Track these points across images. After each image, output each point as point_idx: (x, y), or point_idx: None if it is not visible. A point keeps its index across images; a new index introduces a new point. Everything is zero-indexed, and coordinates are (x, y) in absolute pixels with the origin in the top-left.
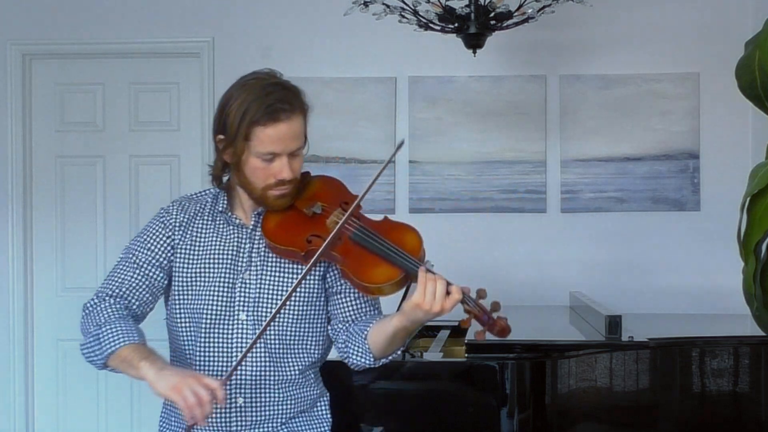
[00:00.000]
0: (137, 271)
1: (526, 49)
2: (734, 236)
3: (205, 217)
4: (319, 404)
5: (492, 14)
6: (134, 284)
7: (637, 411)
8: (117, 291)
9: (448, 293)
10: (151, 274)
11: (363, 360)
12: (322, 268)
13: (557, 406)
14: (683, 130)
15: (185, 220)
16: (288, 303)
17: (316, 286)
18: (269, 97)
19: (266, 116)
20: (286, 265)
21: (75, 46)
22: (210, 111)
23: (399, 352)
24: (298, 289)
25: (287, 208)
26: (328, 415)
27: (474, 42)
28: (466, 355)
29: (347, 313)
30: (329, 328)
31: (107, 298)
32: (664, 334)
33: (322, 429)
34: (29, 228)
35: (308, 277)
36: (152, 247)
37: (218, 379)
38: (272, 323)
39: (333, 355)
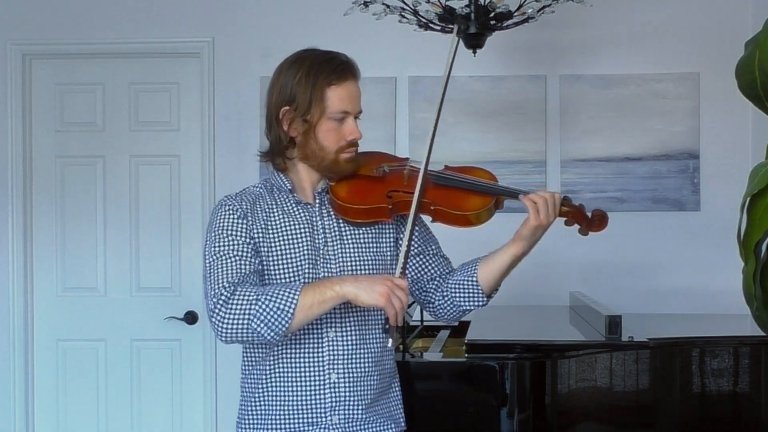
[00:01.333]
0: (242, 261)
1: (526, 49)
2: (734, 236)
3: (268, 202)
4: (394, 383)
5: (492, 14)
6: (246, 272)
7: (637, 411)
8: (237, 279)
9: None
10: (253, 259)
11: (476, 301)
12: (392, 232)
13: (557, 406)
14: (683, 130)
15: (248, 206)
16: (365, 268)
17: (389, 251)
18: (334, 61)
19: (338, 75)
20: (361, 236)
21: (75, 46)
22: (210, 111)
23: (498, 289)
24: (375, 254)
25: (350, 177)
26: (401, 395)
27: (474, 42)
28: (466, 355)
29: (433, 270)
30: (417, 291)
31: (231, 287)
32: (664, 334)
33: (400, 409)
34: (29, 228)
35: (382, 242)
36: (238, 235)
37: (401, 278)
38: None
39: None
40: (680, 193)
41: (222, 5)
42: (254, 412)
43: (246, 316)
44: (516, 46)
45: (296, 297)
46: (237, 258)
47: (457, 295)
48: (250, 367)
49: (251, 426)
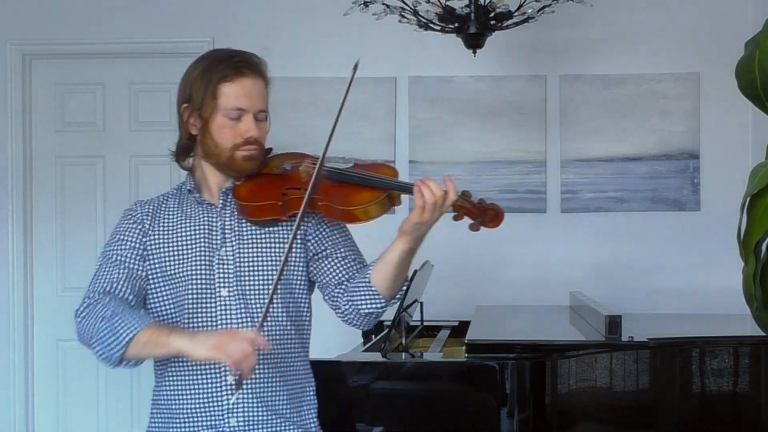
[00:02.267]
0: (120, 267)
1: (526, 49)
2: (734, 236)
3: (171, 204)
4: (308, 389)
5: (492, 14)
6: (122, 279)
7: (637, 411)
8: (108, 288)
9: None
10: (134, 266)
11: (374, 305)
12: (302, 232)
13: (557, 406)
14: (683, 130)
15: (151, 210)
16: (268, 271)
17: (296, 251)
18: (233, 58)
19: (232, 71)
20: (262, 236)
21: (75, 46)
22: None
23: (404, 288)
24: (278, 255)
25: (255, 175)
26: (316, 401)
27: (474, 42)
28: (466, 355)
29: (341, 274)
30: (325, 297)
31: (100, 296)
32: (664, 334)
33: (312, 415)
34: (29, 228)
35: (284, 243)
36: (126, 240)
37: (251, 329)
38: (256, 294)
39: (331, 355)
40: (680, 193)
41: (222, 5)
42: (159, 411)
43: (92, 330)
44: (516, 46)
45: (136, 331)
46: (116, 264)
47: (356, 298)
48: (157, 371)
49: (156, 424)
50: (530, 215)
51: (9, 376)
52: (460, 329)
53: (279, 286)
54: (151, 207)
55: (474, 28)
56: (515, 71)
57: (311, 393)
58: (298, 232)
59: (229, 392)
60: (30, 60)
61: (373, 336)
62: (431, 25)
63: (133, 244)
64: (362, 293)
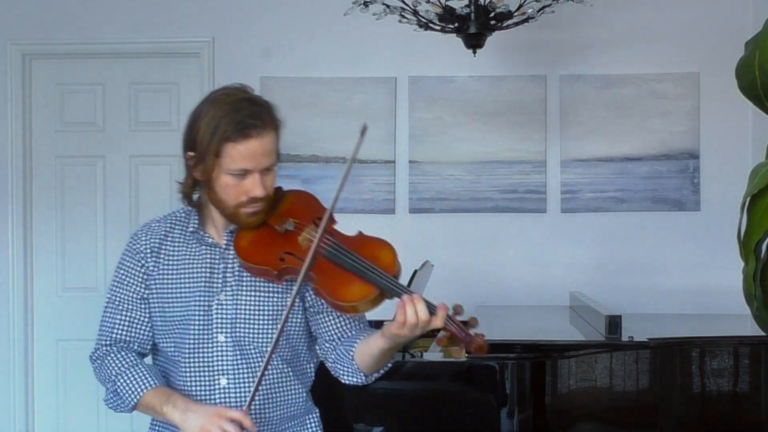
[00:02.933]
0: (124, 313)
1: (526, 49)
2: (734, 236)
3: (176, 238)
4: (308, 421)
5: (492, 14)
6: (125, 326)
7: (637, 411)
8: (114, 337)
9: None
10: (136, 309)
11: (354, 379)
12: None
13: (557, 406)
14: (683, 130)
15: (155, 244)
16: (266, 320)
17: (297, 307)
18: (240, 113)
19: (237, 132)
20: (262, 284)
21: (75, 46)
22: None
23: (389, 365)
24: (276, 305)
25: (260, 225)
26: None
27: (474, 42)
28: (466, 355)
29: (332, 332)
30: (317, 347)
31: (107, 347)
32: (664, 334)
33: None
34: (29, 228)
35: (287, 296)
36: (129, 282)
37: (240, 410)
38: (252, 342)
39: None
40: (680, 193)
41: (222, 5)
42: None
43: (106, 384)
44: (516, 46)
45: (137, 397)
46: (119, 311)
47: (339, 367)
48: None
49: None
50: (530, 215)
51: (9, 376)
52: None
53: (274, 335)
54: (156, 241)
55: (474, 28)
56: (515, 71)
57: (312, 424)
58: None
59: (222, 397)
60: (30, 60)
61: None
62: (431, 25)
63: (134, 285)
64: (345, 365)
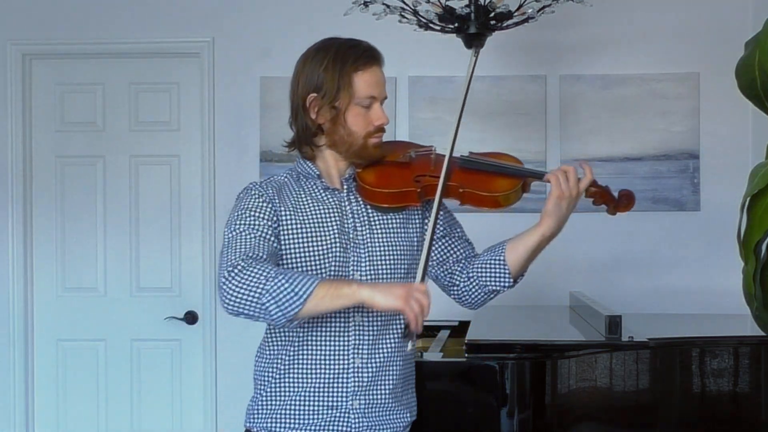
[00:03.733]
0: (258, 236)
1: (526, 49)
2: (734, 236)
3: (295, 188)
4: (413, 373)
5: (492, 14)
6: (261, 247)
7: (637, 411)
8: (252, 254)
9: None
10: (270, 238)
11: (502, 282)
12: (418, 216)
13: (557, 406)
14: (683, 130)
15: (275, 191)
16: (394, 254)
17: (416, 235)
18: (358, 48)
19: (364, 61)
20: (389, 222)
21: (75, 46)
22: (210, 111)
23: (525, 273)
24: (402, 239)
25: (378, 163)
26: (414, 384)
27: (474, 42)
28: (466, 355)
29: (458, 251)
30: (441, 273)
31: (248, 259)
32: (664, 334)
33: (415, 399)
34: (29, 228)
35: (409, 227)
36: (260, 216)
37: (421, 284)
38: (385, 277)
39: None
40: (680, 193)
41: (222, 5)
42: (272, 396)
43: (258, 290)
44: (516, 46)
45: (313, 285)
46: (257, 236)
47: (484, 275)
48: (270, 352)
49: (267, 410)
50: (530, 215)
51: (9, 376)
52: (460, 329)
53: (402, 269)
54: (273, 188)
55: (474, 28)
56: (515, 71)
57: (413, 374)
58: (417, 215)
59: (354, 376)
60: (30, 60)
61: None
62: (431, 25)
63: (268, 222)
64: (493, 270)
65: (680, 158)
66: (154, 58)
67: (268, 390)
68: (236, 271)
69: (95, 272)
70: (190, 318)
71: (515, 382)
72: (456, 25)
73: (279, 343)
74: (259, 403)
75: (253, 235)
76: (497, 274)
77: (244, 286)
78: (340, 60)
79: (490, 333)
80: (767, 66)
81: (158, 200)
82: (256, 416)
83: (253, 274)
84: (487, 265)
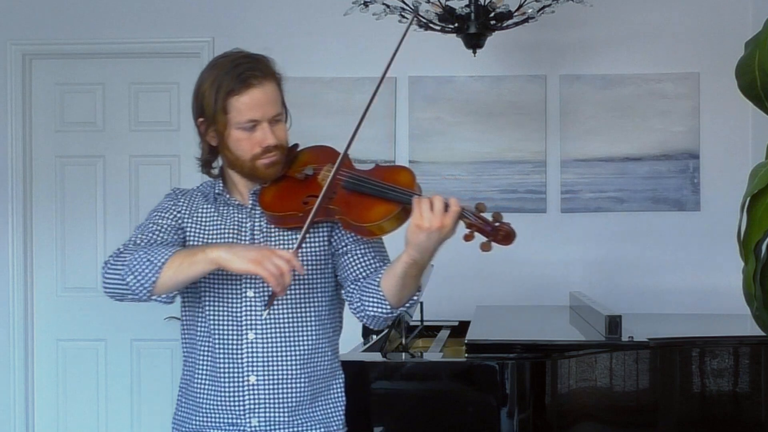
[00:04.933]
0: (158, 230)
1: (526, 49)
2: (734, 236)
3: (207, 202)
4: (334, 386)
5: (492, 14)
6: (158, 240)
7: (637, 411)
8: (143, 238)
9: (446, 208)
10: (172, 234)
11: (380, 309)
12: (326, 231)
13: (557, 406)
14: (683, 130)
15: (188, 202)
16: (300, 280)
17: (322, 251)
18: (239, 68)
19: (239, 84)
20: (289, 238)
21: (75, 46)
22: None
23: (415, 298)
24: (303, 255)
25: (280, 179)
26: (343, 398)
27: (474, 42)
28: (466, 355)
29: (358, 271)
30: (343, 293)
31: (135, 246)
32: (664, 334)
33: (337, 413)
34: (29, 228)
35: (314, 242)
36: (166, 216)
37: (288, 251)
38: (287, 293)
39: None
40: (680, 193)
41: (222, 5)
42: (183, 408)
43: (122, 267)
44: (516, 46)
45: (169, 253)
46: (156, 229)
47: (365, 299)
48: (184, 364)
49: (180, 420)
50: (530, 215)
51: (9, 376)
52: (460, 329)
53: (302, 286)
54: (188, 199)
55: (474, 28)
56: (515, 71)
57: (338, 389)
58: (321, 231)
59: (249, 394)
60: (30, 60)
61: (373, 336)
62: (431, 25)
63: (172, 219)
64: (371, 295)
65: (680, 158)
66: (154, 58)
67: (181, 401)
68: (113, 255)
69: (95, 272)
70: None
71: (515, 382)
72: (456, 25)
73: (185, 351)
74: (177, 412)
75: (155, 230)
76: (375, 301)
77: (114, 267)
78: (217, 84)
79: (490, 333)
80: (767, 66)
81: (158, 200)
82: (176, 421)
83: (122, 256)
84: (367, 290)
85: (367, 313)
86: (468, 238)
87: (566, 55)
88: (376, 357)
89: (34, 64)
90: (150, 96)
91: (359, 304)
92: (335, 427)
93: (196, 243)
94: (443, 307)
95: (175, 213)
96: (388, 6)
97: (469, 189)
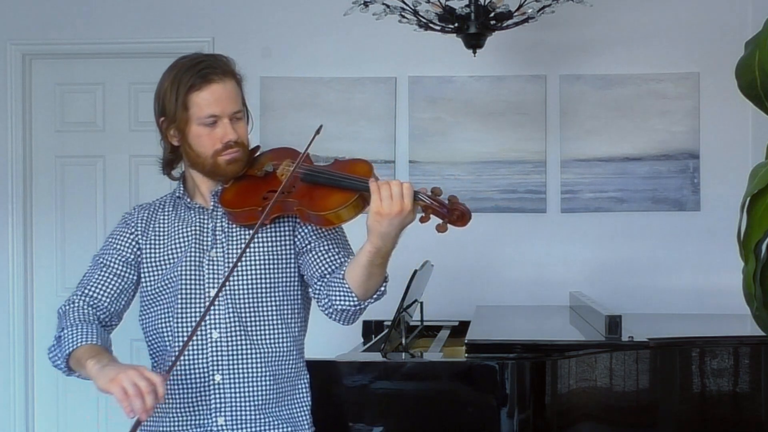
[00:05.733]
0: (104, 270)
1: (526, 49)
2: (734, 236)
3: (167, 210)
4: (299, 385)
5: (492, 14)
6: (102, 283)
7: (637, 411)
8: (86, 292)
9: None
10: (118, 271)
11: (347, 301)
12: (287, 229)
13: (557, 406)
14: (683, 130)
15: (147, 215)
16: (256, 269)
17: (284, 248)
18: (199, 65)
19: (199, 79)
20: (255, 237)
21: (75, 46)
22: None
23: (382, 289)
24: (266, 254)
25: (241, 178)
26: (308, 397)
27: (474, 42)
28: (466, 355)
29: (323, 267)
30: (310, 291)
31: (77, 300)
32: (664, 334)
33: (303, 412)
34: (29, 228)
35: (275, 239)
36: (117, 246)
37: (161, 373)
38: (244, 293)
39: (331, 355)
40: (680, 193)
41: (222, 5)
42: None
43: (57, 330)
44: (516, 46)
45: (75, 345)
46: (100, 267)
47: (332, 294)
48: (151, 364)
49: (147, 427)
50: (530, 215)
51: (9, 377)
52: (460, 329)
53: (265, 284)
54: (147, 212)
55: (474, 28)
56: (515, 71)
57: (303, 389)
58: (284, 226)
59: (215, 393)
60: (30, 60)
61: (373, 336)
62: (431, 25)
63: (121, 249)
64: (337, 289)
65: (680, 158)
66: (154, 58)
67: None
68: (62, 310)
69: None
70: None
71: (515, 382)
72: (456, 25)
73: (150, 354)
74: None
75: (98, 268)
76: (341, 293)
77: (59, 321)
78: (177, 81)
79: (490, 333)
80: (767, 66)
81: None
82: (142, 429)
83: (61, 319)
84: (333, 284)
85: (336, 307)
86: (423, 220)
87: (566, 55)
88: (376, 357)
89: (34, 64)
90: (150, 96)
91: (327, 300)
92: (301, 427)
93: (154, 255)
94: (443, 307)
95: (127, 236)
96: (388, 6)
97: (469, 189)
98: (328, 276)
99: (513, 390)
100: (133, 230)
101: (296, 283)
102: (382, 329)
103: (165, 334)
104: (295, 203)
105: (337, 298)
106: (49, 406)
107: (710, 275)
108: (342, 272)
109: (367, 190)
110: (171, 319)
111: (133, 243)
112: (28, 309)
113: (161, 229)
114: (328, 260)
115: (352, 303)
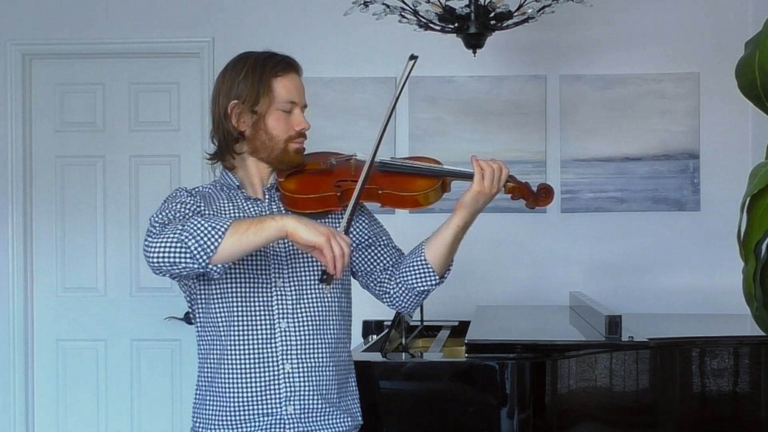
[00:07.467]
0: (189, 212)
1: (526, 49)
2: (734, 236)
3: (221, 198)
4: (351, 377)
5: (492, 14)
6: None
7: (637, 411)
8: (180, 217)
9: None
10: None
11: (428, 281)
12: (364, 221)
13: (557, 406)
14: (683, 130)
15: (200, 200)
16: (316, 262)
17: (361, 240)
18: (277, 56)
19: (282, 67)
20: None
21: (75, 46)
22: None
23: (452, 266)
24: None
25: (299, 171)
26: (357, 389)
27: (474, 42)
28: (466, 355)
29: (386, 260)
30: (371, 283)
31: (174, 220)
32: (664, 334)
33: (356, 404)
34: (29, 228)
35: (354, 230)
36: (189, 202)
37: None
38: (309, 283)
39: None
40: (680, 193)
41: (222, 5)
42: (209, 405)
43: (177, 234)
44: (516, 46)
45: (229, 221)
46: (180, 209)
47: (410, 278)
48: (204, 360)
49: (206, 418)
50: (530, 215)
51: (9, 376)
52: (460, 329)
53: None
54: (200, 195)
55: (474, 28)
56: (515, 71)
57: (353, 382)
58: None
59: (285, 382)
60: (30, 60)
61: (373, 336)
62: (431, 25)
63: (194, 205)
64: (417, 271)
65: (680, 158)
66: (154, 58)
67: (206, 398)
68: (156, 229)
69: (95, 272)
70: (190, 318)
71: (515, 382)
72: (456, 25)
73: (208, 350)
74: (201, 410)
75: (177, 210)
76: (422, 275)
77: (164, 238)
78: (259, 67)
79: (490, 333)
80: (767, 66)
81: (158, 200)
82: (197, 416)
83: (170, 228)
84: (411, 268)
85: (416, 289)
86: (514, 198)
87: (566, 55)
88: (376, 357)
89: (34, 64)
90: (150, 96)
91: (400, 286)
92: (357, 418)
93: None
94: (443, 307)
95: (192, 204)
96: (388, 6)
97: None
98: (391, 268)
99: (513, 390)
100: (199, 201)
101: (349, 275)
102: (382, 329)
103: (222, 325)
104: (378, 188)
105: (419, 280)
106: (49, 406)
107: (710, 275)
108: (421, 255)
109: (449, 174)
110: (233, 311)
111: (199, 208)
112: (28, 309)
113: (220, 210)
114: (389, 254)
115: (434, 282)
